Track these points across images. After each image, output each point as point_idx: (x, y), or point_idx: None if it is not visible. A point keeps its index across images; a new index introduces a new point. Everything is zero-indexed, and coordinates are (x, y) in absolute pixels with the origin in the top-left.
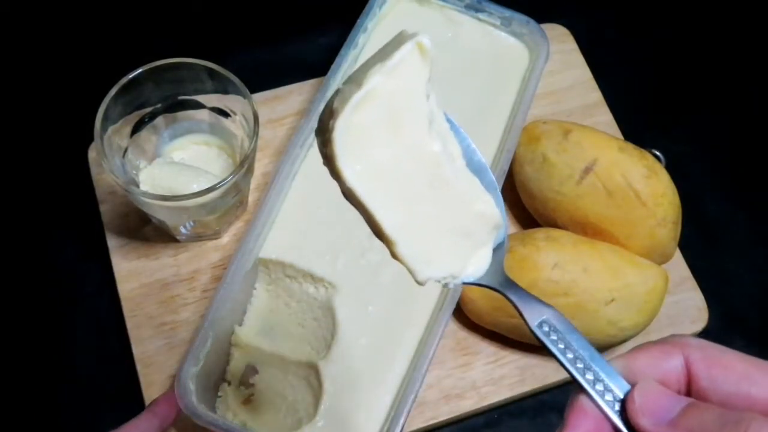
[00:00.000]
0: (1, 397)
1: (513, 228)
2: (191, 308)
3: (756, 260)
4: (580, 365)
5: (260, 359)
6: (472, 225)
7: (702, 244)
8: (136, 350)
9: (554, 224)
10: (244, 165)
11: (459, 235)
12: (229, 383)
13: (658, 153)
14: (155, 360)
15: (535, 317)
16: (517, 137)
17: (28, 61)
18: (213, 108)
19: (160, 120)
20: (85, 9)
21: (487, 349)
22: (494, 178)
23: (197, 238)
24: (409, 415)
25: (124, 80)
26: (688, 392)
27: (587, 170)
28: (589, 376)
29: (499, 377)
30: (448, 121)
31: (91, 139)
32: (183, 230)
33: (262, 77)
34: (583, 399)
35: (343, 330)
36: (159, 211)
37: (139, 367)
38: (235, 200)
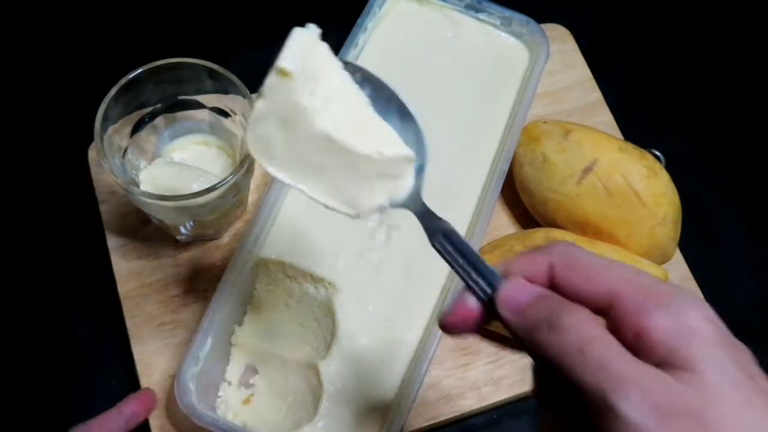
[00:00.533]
0: (0, 397)
1: (513, 228)
2: (191, 308)
3: (756, 260)
4: (468, 269)
5: (260, 359)
6: (385, 168)
7: (702, 244)
8: (136, 350)
9: (554, 224)
10: (244, 165)
11: (376, 178)
12: (229, 383)
13: (658, 153)
14: (155, 360)
15: (437, 233)
16: (517, 137)
17: (28, 61)
18: (213, 108)
19: (160, 120)
20: (85, 9)
21: (487, 349)
22: (413, 111)
23: (197, 238)
24: (409, 415)
25: (124, 80)
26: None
27: (587, 170)
28: (475, 276)
29: (499, 377)
30: (364, 76)
31: (91, 139)
32: (183, 230)
33: (262, 77)
34: (468, 294)
35: (343, 330)
36: (159, 211)
37: (139, 367)
38: (235, 200)
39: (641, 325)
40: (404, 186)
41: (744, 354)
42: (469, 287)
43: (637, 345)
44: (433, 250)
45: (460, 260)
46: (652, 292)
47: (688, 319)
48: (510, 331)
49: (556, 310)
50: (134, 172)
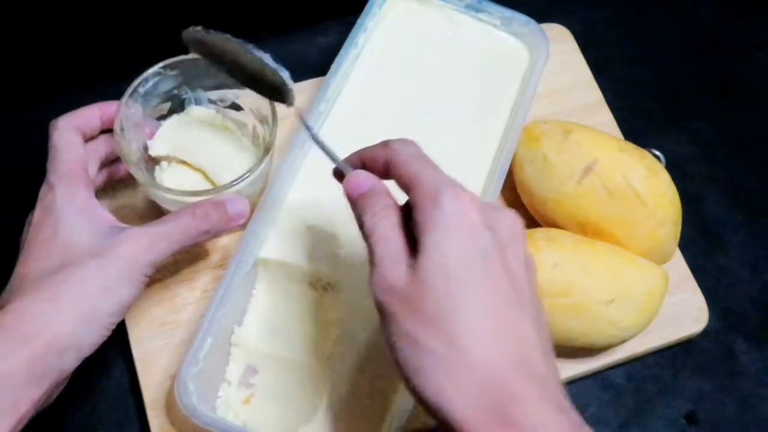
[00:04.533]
0: None
1: None
2: (191, 308)
3: (756, 260)
4: (333, 159)
5: (260, 359)
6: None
7: (702, 244)
8: (136, 350)
9: (554, 224)
10: (270, 152)
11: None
12: (229, 383)
13: (658, 153)
14: (155, 360)
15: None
16: (517, 137)
17: (30, 60)
18: (222, 103)
19: (172, 118)
20: (84, 10)
21: None
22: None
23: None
24: (409, 415)
25: (140, 78)
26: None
27: (587, 170)
28: (338, 165)
29: None
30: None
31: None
32: None
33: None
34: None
35: (343, 330)
36: None
37: (138, 367)
38: (261, 186)
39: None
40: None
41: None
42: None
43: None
44: None
45: (329, 156)
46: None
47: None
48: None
49: (372, 203)
50: (154, 172)
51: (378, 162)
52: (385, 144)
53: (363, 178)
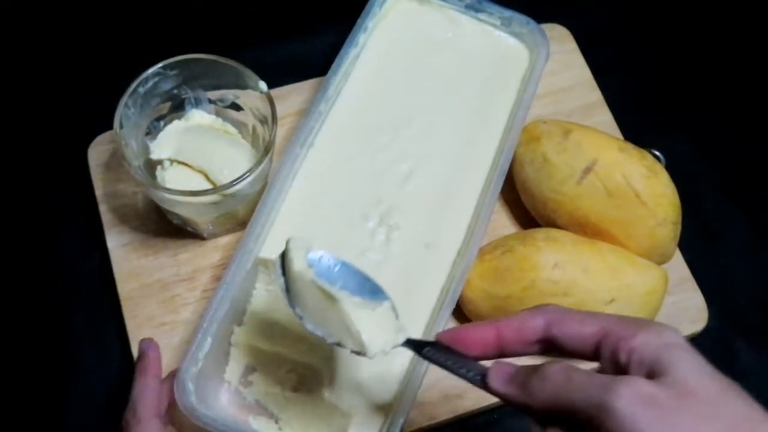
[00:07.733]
0: (1, 398)
1: (513, 228)
2: (191, 308)
3: (756, 260)
4: (458, 366)
5: (260, 359)
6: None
7: (702, 244)
8: (136, 350)
9: (554, 224)
10: (270, 152)
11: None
12: (229, 383)
13: (658, 153)
14: None
15: (424, 347)
16: (517, 137)
17: (30, 60)
18: (221, 101)
19: (172, 118)
20: (85, 11)
21: None
22: (378, 284)
23: (226, 232)
24: (408, 414)
25: (140, 78)
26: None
27: (587, 170)
28: (463, 370)
29: None
30: (329, 278)
31: (91, 139)
32: (210, 227)
33: (262, 77)
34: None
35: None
36: (189, 209)
37: None
38: (261, 186)
39: (631, 346)
40: (398, 336)
41: (704, 358)
42: (462, 377)
43: (629, 361)
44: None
45: (450, 362)
46: (633, 322)
47: (666, 336)
48: (506, 399)
49: (535, 368)
50: (158, 172)
51: (533, 324)
52: (537, 308)
53: (503, 363)
